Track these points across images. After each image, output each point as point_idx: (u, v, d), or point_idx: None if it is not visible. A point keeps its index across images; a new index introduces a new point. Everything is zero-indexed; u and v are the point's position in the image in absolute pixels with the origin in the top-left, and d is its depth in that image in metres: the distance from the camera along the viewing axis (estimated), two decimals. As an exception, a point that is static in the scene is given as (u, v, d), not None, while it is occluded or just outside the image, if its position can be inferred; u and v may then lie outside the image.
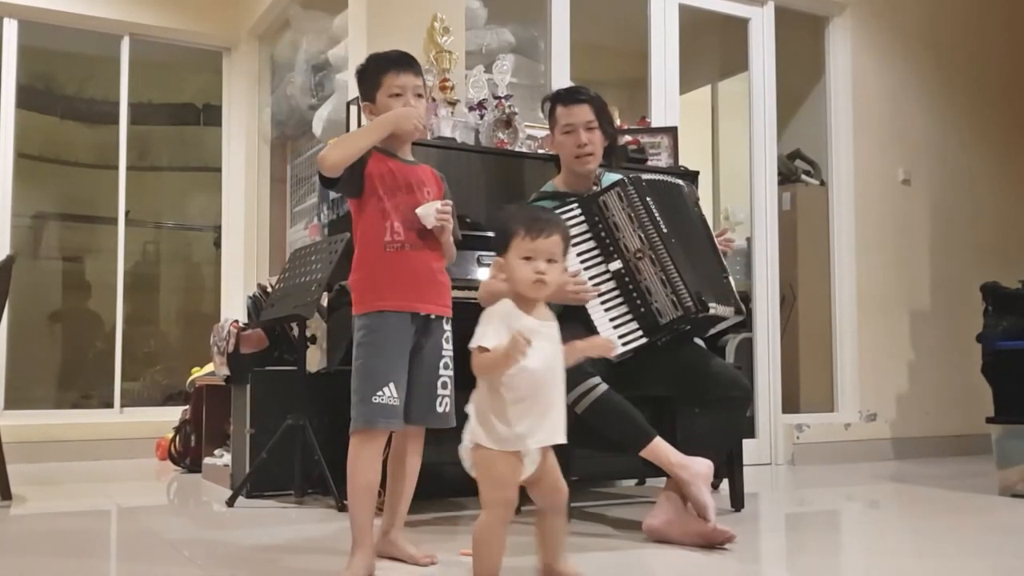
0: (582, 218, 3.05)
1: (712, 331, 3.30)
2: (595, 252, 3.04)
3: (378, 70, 2.56)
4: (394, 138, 2.58)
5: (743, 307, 3.17)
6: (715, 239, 3.22)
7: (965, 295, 4.97)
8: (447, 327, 2.57)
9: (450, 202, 2.54)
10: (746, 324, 4.76)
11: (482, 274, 3.37)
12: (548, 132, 3.31)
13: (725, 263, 3.20)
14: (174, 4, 5.91)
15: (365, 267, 2.50)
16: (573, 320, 2.95)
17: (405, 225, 2.47)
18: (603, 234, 3.03)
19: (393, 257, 2.47)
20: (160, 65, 6.69)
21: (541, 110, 3.37)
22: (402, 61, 2.57)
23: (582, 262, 3.02)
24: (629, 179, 3.10)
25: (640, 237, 3.01)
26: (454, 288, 2.65)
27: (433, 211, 2.47)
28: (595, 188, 3.22)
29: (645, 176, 3.20)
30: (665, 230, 3.03)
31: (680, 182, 3.30)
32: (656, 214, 3.04)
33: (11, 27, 5.63)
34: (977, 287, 4.37)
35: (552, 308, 3.11)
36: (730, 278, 3.18)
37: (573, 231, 3.02)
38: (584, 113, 3.18)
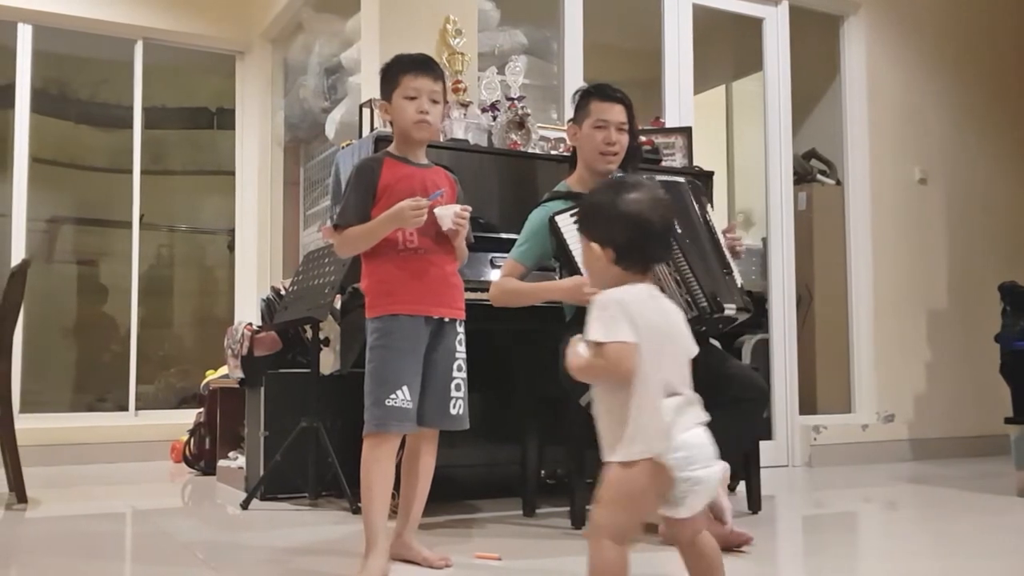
0: (595, 219, 3.04)
1: (723, 330, 3.26)
2: (608, 253, 3.02)
3: (398, 70, 2.55)
4: (407, 143, 2.57)
5: (750, 303, 3.13)
6: (721, 236, 3.17)
7: (982, 295, 4.93)
8: (460, 329, 2.57)
9: (469, 207, 2.53)
10: (762, 325, 4.72)
11: (494, 275, 3.35)
12: (570, 122, 3.28)
13: (729, 259, 3.15)
14: (187, 8, 5.93)
15: (378, 271, 2.50)
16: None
17: (419, 229, 2.46)
18: (616, 235, 3.01)
19: (406, 261, 2.47)
20: (173, 69, 6.72)
21: (572, 100, 3.35)
22: (421, 64, 2.55)
23: (595, 263, 3.00)
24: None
25: (653, 238, 2.98)
26: (466, 290, 2.64)
27: (451, 213, 2.46)
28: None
29: (658, 177, 3.17)
30: (679, 231, 3.01)
31: (680, 179, 3.26)
32: (669, 215, 3.01)
33: (25, 32, 5.66)
34: (995, 287, 4.34)
35: (566, 310, 3.15)
36: (734, 275, 3.13)
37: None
38: (620, 113, 3.18)
